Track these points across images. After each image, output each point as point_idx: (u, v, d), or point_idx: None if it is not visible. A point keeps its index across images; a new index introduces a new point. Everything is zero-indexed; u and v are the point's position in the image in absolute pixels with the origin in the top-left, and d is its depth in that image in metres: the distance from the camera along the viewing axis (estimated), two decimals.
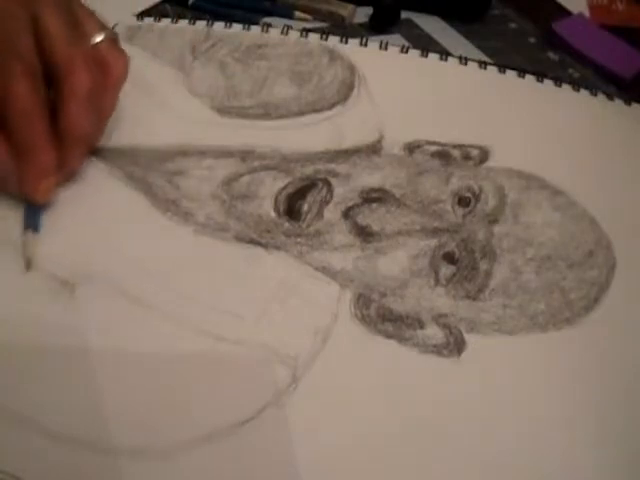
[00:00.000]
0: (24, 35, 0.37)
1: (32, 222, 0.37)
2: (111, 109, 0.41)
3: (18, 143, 0.36)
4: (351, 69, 0.50)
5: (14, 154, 0.36)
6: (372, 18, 0.57)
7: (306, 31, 0.52)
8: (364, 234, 0.40)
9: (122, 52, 0.41)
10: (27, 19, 0.37)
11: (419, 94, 0.49)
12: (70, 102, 0.38)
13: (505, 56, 0.56)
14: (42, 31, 0.37)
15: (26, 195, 0.38)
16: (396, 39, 0.56)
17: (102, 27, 0.40)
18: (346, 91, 0.48)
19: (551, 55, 0.58)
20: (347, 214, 0.40)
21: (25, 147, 0.37)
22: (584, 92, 0.53)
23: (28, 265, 0.36)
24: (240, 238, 0.39)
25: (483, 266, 0.40)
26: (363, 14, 0.57)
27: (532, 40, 0.60)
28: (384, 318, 0.37)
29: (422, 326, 0.37)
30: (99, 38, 0.39)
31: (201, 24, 0.51)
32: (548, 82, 0.53)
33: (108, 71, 0.39)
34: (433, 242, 0.40)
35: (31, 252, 0.36)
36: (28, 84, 0.36)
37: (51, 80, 0.38)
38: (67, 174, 0.39)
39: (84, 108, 0.38)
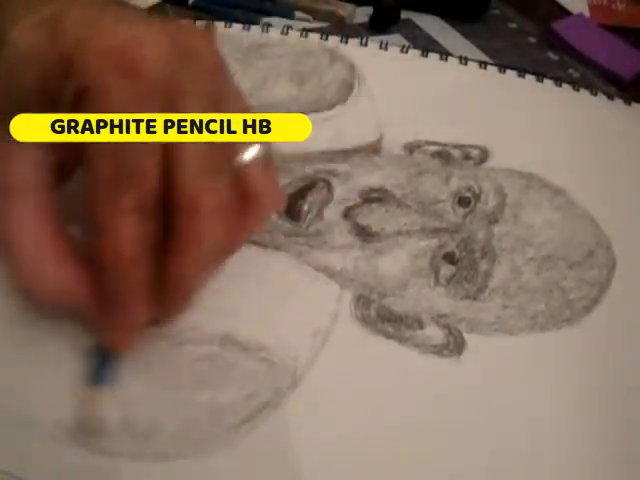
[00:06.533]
0: (150, 156, 0.27)
1: (100, 374, 0.31)
2: (238, 248, 0.31)
3: (108, 290, 0.28)
4: (351, 69, 0.50)
5: (99, 298, 0.29)
6: (372, 18, 0.57)
7: (306, 31, 0.52)
8: (364, 234, 0.40)
9: (275, 180, 0.31)
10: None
11: (419, 94, 0.49)
12: (185, 257, 0.28)
13: (505, 56, 0.56)
14: (173, 149, 0.27)
15: (104, 342, 0.31)
16: (396, 39, 0.56)
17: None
18: (346, 91, 0.48)
19: (551, 55, 0.58)
20: (347, 214, 0.40)
21: (116, 297, 0.28)
22: (584, 92, 0.53)
23: (92, 423, 0.30)
24: None
25: (483, 266, 0.40)
26: (363, 14, 0.57)
27: (532, 40, 0.60)
28: (384, 318, 0.37)
29: (422, 326, 0.37)
30: (250, 156, 0.29)
31: (201, 24, 0.51)
32: (548, 82, 0.53)
33: (251, 207, 0.30)
34: (433, 242, 0.40)
35: (94, 410, 0.31)
36: (135, 226, 0.27)
37: (167, 210, 0.28)
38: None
39: (202, 265, 0.29)
